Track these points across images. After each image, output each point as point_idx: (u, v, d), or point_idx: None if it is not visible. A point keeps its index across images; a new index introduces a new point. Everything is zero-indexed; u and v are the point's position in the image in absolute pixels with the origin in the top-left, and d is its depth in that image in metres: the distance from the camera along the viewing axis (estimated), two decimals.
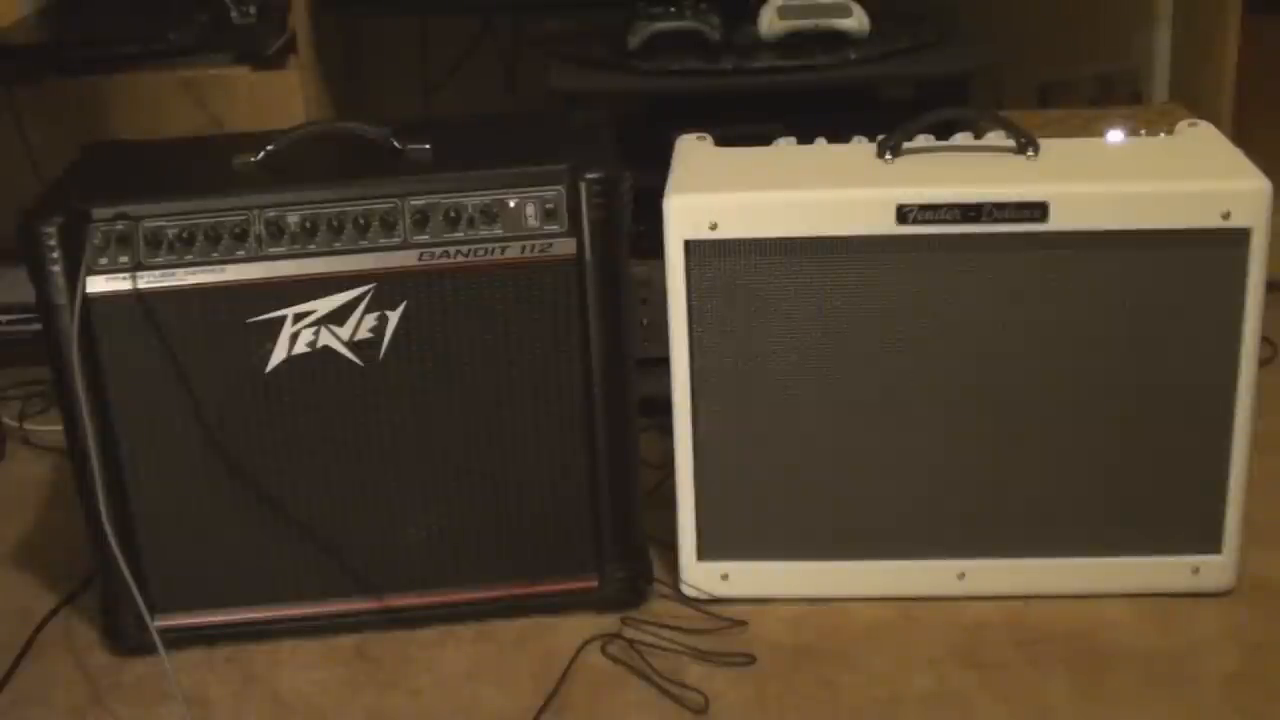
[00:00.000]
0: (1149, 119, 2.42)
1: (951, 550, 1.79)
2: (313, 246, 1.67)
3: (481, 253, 1.68)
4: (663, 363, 1.75)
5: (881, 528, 1.79)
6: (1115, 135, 1.91)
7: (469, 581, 1.82)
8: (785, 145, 1.84)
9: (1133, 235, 1.64)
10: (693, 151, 1.84)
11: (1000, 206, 1.64)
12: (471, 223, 1.67)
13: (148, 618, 1.69)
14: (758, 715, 1.66)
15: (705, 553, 1.82)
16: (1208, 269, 1.66)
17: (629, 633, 1.79)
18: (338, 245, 1.67)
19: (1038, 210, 1.64)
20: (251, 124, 2.35)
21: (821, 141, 1.85)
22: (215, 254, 1.66)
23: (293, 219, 1.67)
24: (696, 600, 1.84)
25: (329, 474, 1.76)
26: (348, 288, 1.68)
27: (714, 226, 1.68)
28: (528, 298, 1.70)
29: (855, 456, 1.76)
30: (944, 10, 2.45)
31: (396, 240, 1.67)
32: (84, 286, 1.65)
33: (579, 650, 1.77)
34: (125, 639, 1.81)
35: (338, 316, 1.69)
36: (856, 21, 2.26)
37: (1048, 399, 1.71)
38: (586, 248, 1.69)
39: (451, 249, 1.68)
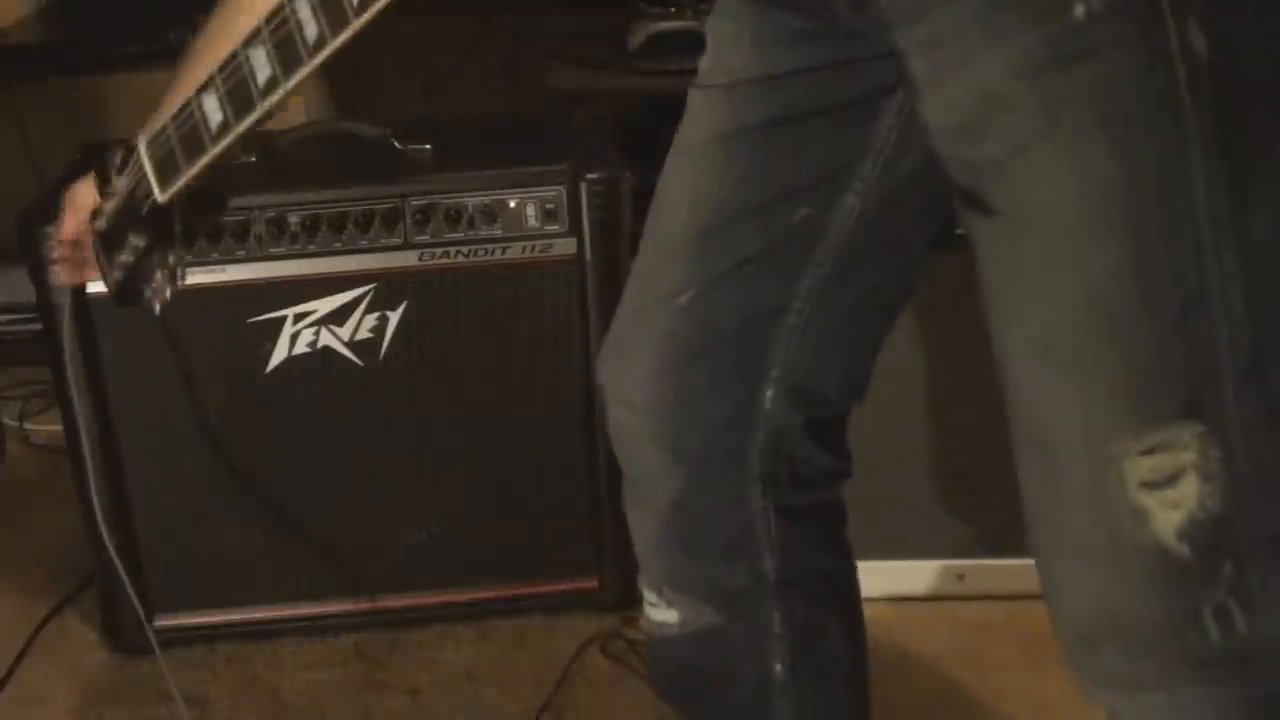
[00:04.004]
0: None
1: (951, 550, 1.79)
2: (313, 246, 1.67)
3: (482, 253, 1.68)
4: None
5: (881, 528, 1.79)
6: None
7: (469, 581, 1.82)
8: None
9: None
10: None
11: None
12: (472, 223, 1.67)
13: (144, 619, 1.68)
14: None
15: None
16: None
17: (629, 633, 1.79)
18: (338, 245, 1.67)
19: None
20: None
21: None
22: (215, 254, 1.66)
23: (293, 219, 1.67)
24: None
25: (329, 474, 1.76)
26: (348, 288, 1.68)
27: None
28: (528, 298, 1.70)
29: (854, 455, 1.76)
30: None
31: (397, 240, 1.67)
32: (84, 286, 1.65)
33: (579, 650, 1.77)
34: (125, 639, 1.81)
35: (338, 316, 1.69)
36: None
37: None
38: (586, 248, 1.69)
39: (452, 249, 1.68)
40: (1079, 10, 0.82)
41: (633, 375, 1.17)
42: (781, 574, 1.20)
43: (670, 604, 1.22)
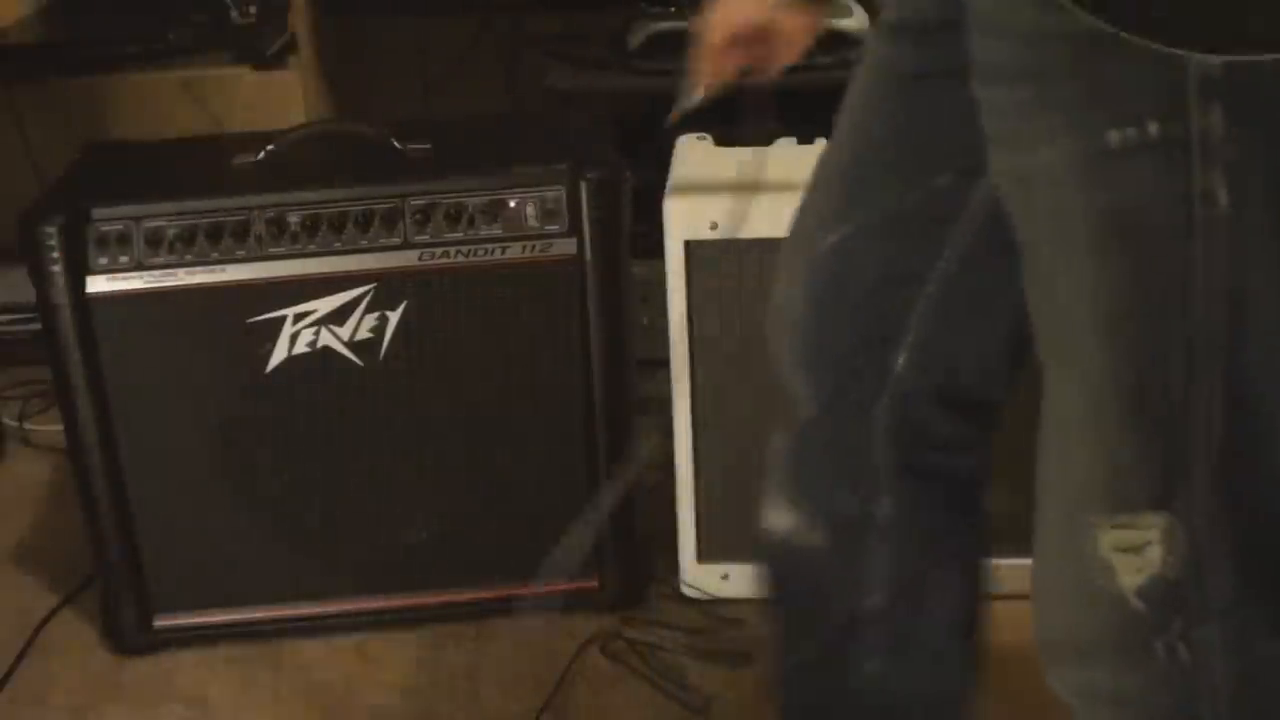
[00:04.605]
0: None
1: None
2: (313, 246, 1.67)
3: (482, 253, 1.68)
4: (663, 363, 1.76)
5: None
6: None
7: (469, 581, 1.82)
8: (785, 145, 1.84)
9: None
10: (693, 151, 1.84)
11: None
12: (472, 222, 1.67)
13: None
14: (758, 715, 1.66)
15: (705, 553, 1.82)
16: None
17: (629, 633, 1.79)
18: (338, 245, 1.67)
19: None
20: (251, 124, 2.35)
21: (822, 141, 1.84)
22: (215, 254, 1.66)
23: (293, 219, 1.67)
24: (696, 600, 1.84)
25: (329, 474, 1.76)
26: (348, 288, 1.68)
27: (714, 226, 1.68)
28: (528, 298, 1.70)
29: None
30: None
31: (397, 240, 1.67)
32: (84, 286, 1.65)
33: (579, 650, 1.77)
34: (125, 639, 1.81)
35: (338, 316, 1.69)
36: (856, 21, 2.26)
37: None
38: (586, 248, 1.69)
39: (452, 249, 1.68)
40: (1113, 137, 0.87)
41: (789, 296, 1.22)
42: (896, 520, 1.23)
43: (786, 511, 1.27)
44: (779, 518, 1.27)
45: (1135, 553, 0.94)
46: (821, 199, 1.20)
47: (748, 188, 1.58)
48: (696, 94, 1.33)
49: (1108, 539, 0.95)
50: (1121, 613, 0.96)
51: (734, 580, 1.82)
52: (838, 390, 1.19)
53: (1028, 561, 1.66)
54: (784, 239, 1.23)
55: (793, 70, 1.64)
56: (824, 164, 1.21)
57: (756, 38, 1.23)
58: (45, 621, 1.89)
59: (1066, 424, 0.97)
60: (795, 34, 1.23)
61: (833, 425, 1.21)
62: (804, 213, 1.22)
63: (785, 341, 1.22)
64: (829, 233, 1.17)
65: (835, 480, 1.23)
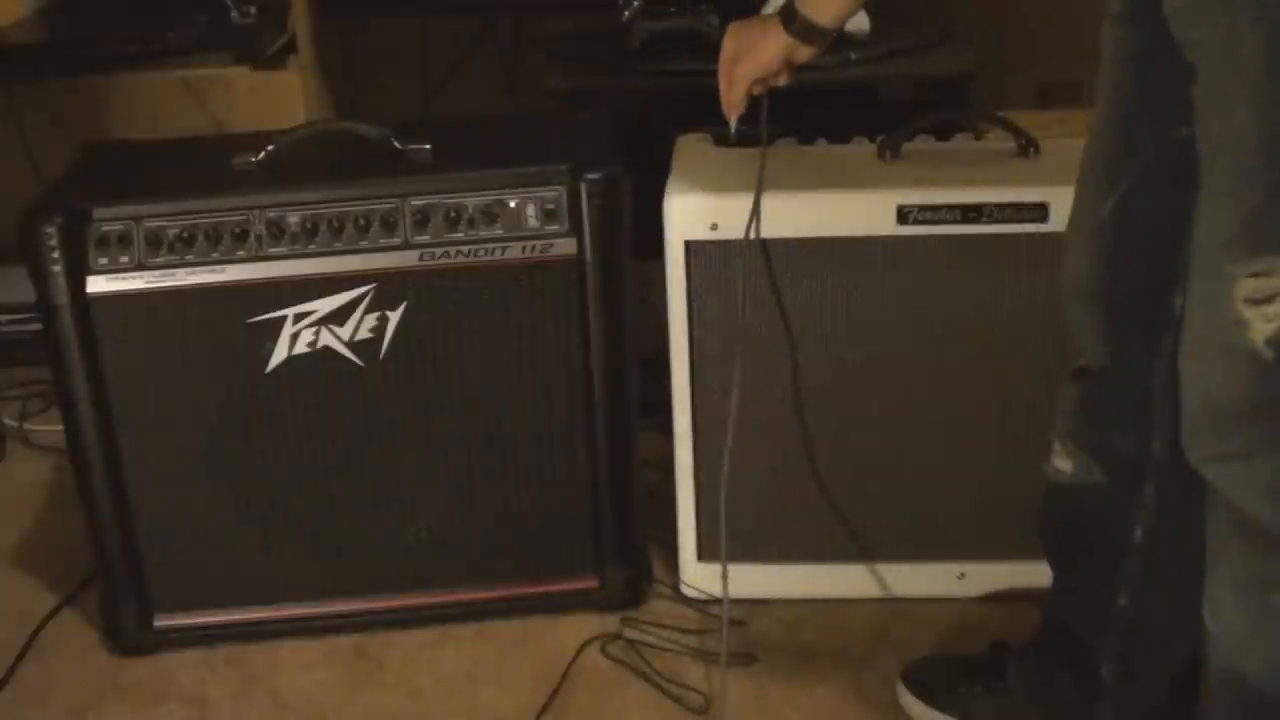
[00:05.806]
0: None
1: (951, 550, 1.79)
2: (313, 246, 1.67)
3: (482, 253, 1.68)
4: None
5: (881, 528, 1.79)
6: None
7: (469, 581, 1.82)
8: (785, 145, 1.84)
9: None
10: (693, 151, 1.84)
11: (1000, 207, 1.65)
12: (472, 223, 1.67)
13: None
14: (758, 715, 1.66)
15: (705, 553, 1.82)
16: None
17: (629, 633, 1.79)
18: (338, 245, 1.67)
19: (1038, 211, 1.64)
20: (251, 124, 2.34)
21: (822, 141, 1.84)
22: (215, 254, 1.66)
23: (293, 219, 1.67)
24: (696, 600, 1.84)
25: (329, 474, 1.76)
26: (348, 288, 1.68)
27: (714, 227, 1.68)
28: (528, 298, 1.70)
29: (855, 457, 1.76)
30: (944, 10, 2.45)
31: (397, 240, 1.67)
32: (84, 286, 1.65)
33: (579, 650, 1.77)
34: (125, 639, 1.81)
35: (338, 316, 1.69)
36: (856, 22, 2.25)
37: (1048, 398, 1.71)
38: (586, 248, 1.69)
39: (452, 249, 1.68)
40: None
41: (1076, 269, 1.40)
42: (1167, 455, 1.36)
43: (1068, 455, 1.45)
44: (1064, 461, 1.45)
45: (1266, 304, 1.06)
46: (1091, 177, 1.38)
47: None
48: (733, 120, 1.66)
49: (1242, 290, 1.07)
50: (1254, 364, 1.08)
51: (734, 581, 1.82)
52: (1128, 337, 1.36)
53: (1026, 562, 1.64)
54: (1068, 224, 1.42)
55: (797, 70, 1.64)
56: (1088, 149, 1.38)
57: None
58: (45, 621, 1.89)
59: (1214, 187, 1.10)
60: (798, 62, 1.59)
61: (1121, 371, 1.38)
62: (1080, 195, 1.40)
63: (1080, 306, 1.40)
64: (1103, 202, 1.35)
65: (1120, 422, 1.40)
